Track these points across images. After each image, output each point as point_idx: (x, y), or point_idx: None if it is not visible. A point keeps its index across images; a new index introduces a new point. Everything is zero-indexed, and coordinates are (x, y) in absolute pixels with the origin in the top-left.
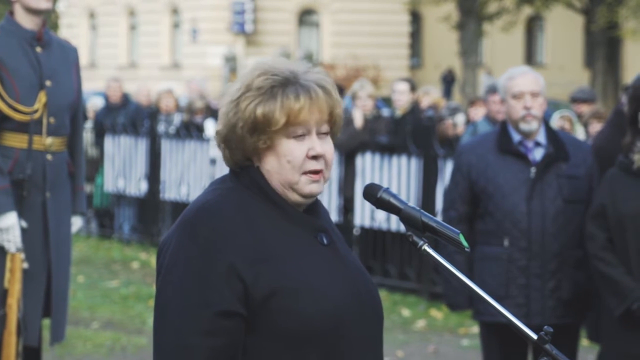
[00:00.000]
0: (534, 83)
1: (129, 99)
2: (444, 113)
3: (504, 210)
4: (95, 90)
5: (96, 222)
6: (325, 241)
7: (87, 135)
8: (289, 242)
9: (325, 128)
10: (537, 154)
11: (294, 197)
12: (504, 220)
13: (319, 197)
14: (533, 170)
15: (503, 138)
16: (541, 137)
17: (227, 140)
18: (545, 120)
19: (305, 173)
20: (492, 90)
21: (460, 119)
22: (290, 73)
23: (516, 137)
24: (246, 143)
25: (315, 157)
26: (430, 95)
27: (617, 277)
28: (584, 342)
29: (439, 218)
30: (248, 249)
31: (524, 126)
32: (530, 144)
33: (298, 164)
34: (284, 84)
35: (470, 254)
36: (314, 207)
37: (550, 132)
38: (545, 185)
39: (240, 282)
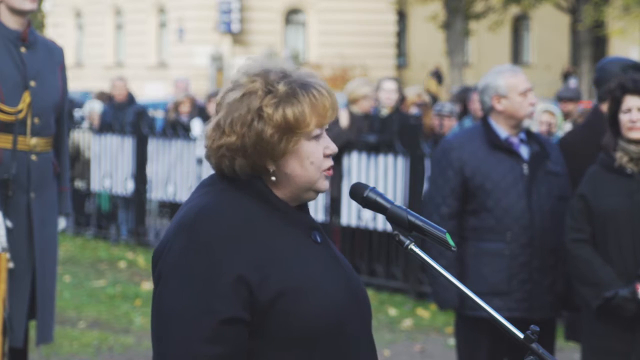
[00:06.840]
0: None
1: (134, 97)
2: (446, 110)
3: (504, 207)
4: (81, 90)
5: (96, 224)
6: (318, 239)
7: (85, 135)
8: (288, 242)
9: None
10: (524, 151)
11: (309, 195)
12: (505, 217)
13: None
14: (525, 166)
15: (491, 135)
16: (522, 134)
17: (243, 149)
18: None
19: (322, 171)
20: (475, 89)
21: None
22: (297, 73)
23: (503, 133)
24: (276, 148)
25: (329, 155)
26: (422, 97)
27: (595, 267)
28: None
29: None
30: (251, 252)
31: (528, 122)
32: (516, 140)
33: (319, 164)
34: (302, 85)
35: (459, 250)
36: (304, 204)
37: (527, 130)
38: (538, 182)
39: (245, 287)
